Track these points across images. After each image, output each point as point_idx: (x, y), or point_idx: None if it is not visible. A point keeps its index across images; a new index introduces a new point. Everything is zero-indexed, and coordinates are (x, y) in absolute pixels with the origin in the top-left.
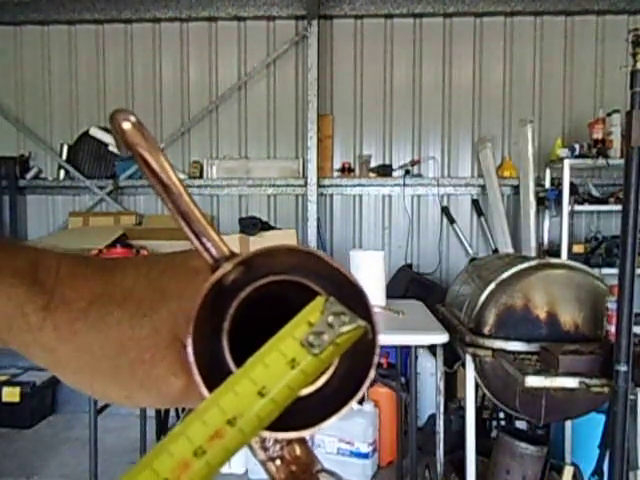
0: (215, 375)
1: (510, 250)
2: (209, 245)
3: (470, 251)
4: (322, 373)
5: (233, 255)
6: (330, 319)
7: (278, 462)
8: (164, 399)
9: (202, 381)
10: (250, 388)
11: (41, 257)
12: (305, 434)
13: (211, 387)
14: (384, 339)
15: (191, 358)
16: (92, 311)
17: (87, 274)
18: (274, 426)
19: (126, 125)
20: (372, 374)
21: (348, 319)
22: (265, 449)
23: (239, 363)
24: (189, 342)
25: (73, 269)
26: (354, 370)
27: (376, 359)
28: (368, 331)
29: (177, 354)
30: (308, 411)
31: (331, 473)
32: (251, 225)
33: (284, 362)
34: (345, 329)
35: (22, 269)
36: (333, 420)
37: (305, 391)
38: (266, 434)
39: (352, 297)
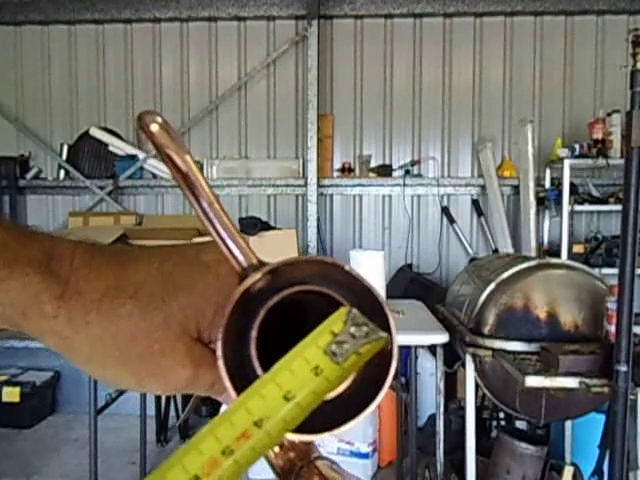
0: (243, 379)
1: (510, 250)
2: (237, 252)
3: (470, 251)
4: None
5: (261, 264)
6: (352, 329)
7: (277, 449)
8: (172, 387)
9: (231, 385)
10: (276, 392)
11: (56, 246)
12: (324, 436)
13: (239, 391)
14: None
15: (221, 363)
16: (105, 302)
17: (101, 265)
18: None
19: (154, 127)
20: (390, 381)
21: (370, 330)
22: None
23: (264, 367)
24: (219, 347)
25: (87, 260)
26: (373, 377)
27: (394, 367)
28: (388, 342)
29: (185, 346)
30: (328, 414)
31: (329, 460)
32: (251, 225)
33: (308, 369)
34: (367, 340)
35: (37, 258)
36: (351, 424)
37: (328, 396)
38: (288, 436)
39: (372, 307)
